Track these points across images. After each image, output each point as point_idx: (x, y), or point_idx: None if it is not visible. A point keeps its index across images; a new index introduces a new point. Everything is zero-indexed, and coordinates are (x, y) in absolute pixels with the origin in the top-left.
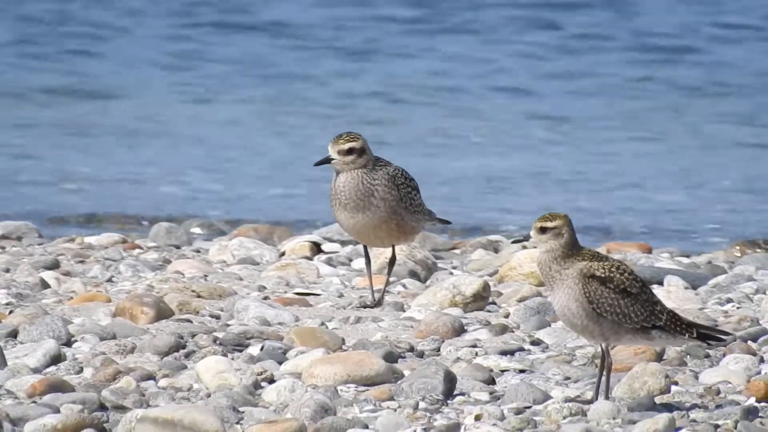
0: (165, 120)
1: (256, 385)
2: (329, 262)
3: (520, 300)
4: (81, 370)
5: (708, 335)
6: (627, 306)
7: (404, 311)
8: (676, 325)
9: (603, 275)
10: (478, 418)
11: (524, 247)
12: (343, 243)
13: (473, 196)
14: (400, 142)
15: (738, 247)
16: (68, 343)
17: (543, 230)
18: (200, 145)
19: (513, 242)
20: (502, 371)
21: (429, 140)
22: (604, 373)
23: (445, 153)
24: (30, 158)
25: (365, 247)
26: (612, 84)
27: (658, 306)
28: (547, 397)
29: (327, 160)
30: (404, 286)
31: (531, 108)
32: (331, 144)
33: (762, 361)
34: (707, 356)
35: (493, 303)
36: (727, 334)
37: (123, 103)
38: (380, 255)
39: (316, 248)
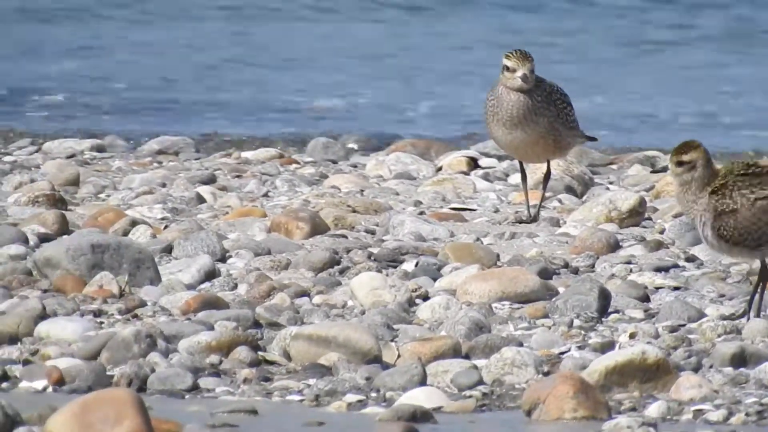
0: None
1: (411, 302)
2: (486, 177)
3: (676, 216)
4: (235, 287)
5: None
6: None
7: (559, 227)
8: None
9: (730, 209)
10: (632, 336)
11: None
12: (500, 158)
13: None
14: None
15: None
16: (222, 259)
17: (679, 164)
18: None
19: (652, 172)
20: (657, 288)
21: None
22: (759, 290)
23: None
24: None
25: (521, 163)
26: None
27: None
28: (701, 315)
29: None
30: (560, 201)
31: None
32: (520, 62)
33: None
34: None
35: (649, 219)
36: None
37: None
38: (536, 170)
39: (473, 163)
